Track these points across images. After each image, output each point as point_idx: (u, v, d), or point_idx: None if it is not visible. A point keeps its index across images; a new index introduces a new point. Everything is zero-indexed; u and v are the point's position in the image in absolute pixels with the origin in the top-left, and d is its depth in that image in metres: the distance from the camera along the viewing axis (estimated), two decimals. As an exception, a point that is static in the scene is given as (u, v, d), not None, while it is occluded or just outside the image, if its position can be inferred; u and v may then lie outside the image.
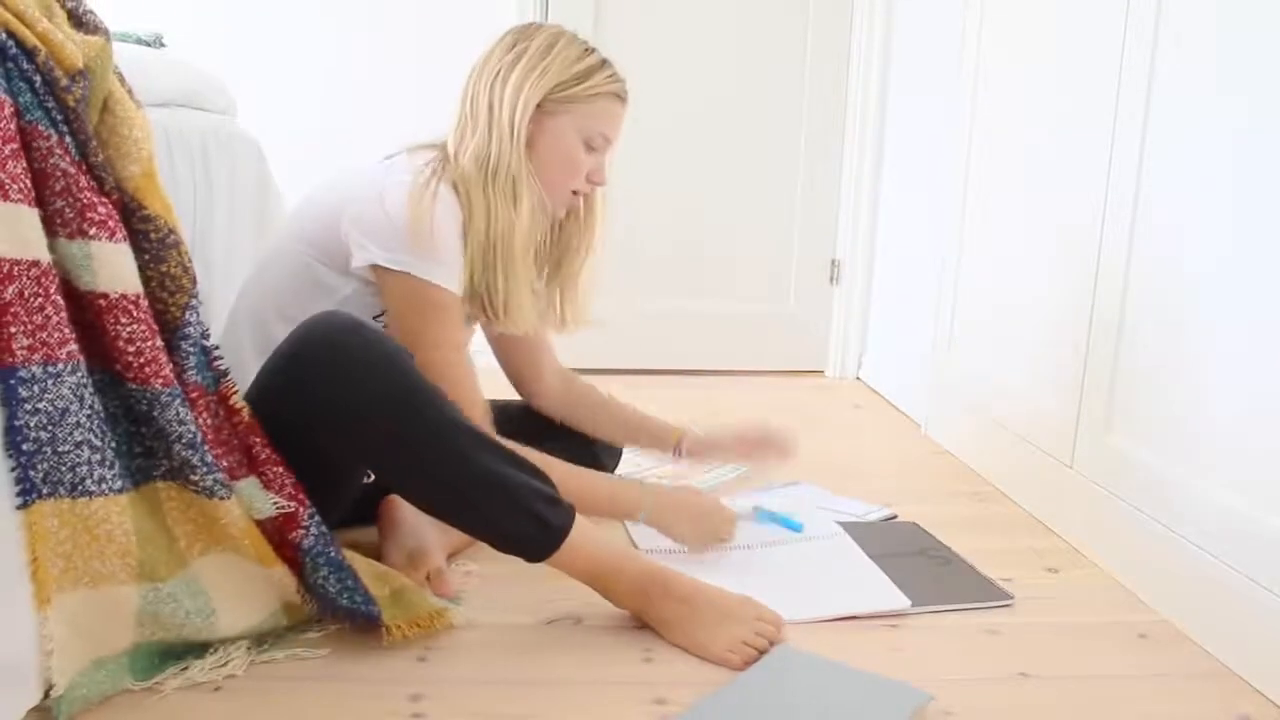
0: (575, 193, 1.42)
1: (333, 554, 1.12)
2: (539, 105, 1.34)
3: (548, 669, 1.15)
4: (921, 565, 1.47)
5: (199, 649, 1.10)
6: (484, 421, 1.29)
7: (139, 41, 1.75)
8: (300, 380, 1.13)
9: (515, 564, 1.39)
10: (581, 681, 1.12)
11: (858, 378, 2.94)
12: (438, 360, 1.27)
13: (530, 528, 1.17)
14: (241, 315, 1.40)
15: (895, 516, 1.69)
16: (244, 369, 1.33)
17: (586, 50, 1.38)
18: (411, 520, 1.37)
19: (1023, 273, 1.88)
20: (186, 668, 1.08)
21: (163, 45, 1.84)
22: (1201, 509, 1.29)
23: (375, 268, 1.28)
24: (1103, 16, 1.58)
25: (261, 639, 1.14)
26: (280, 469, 1.11)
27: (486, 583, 1.37)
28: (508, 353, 1.63)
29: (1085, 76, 1.65)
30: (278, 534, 1.10)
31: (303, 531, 1.11)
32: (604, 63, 1.39)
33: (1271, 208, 1.19)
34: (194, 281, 1.09)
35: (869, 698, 1.08)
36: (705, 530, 1.45)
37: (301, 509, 1.11)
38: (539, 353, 1.63)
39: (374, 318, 1.34)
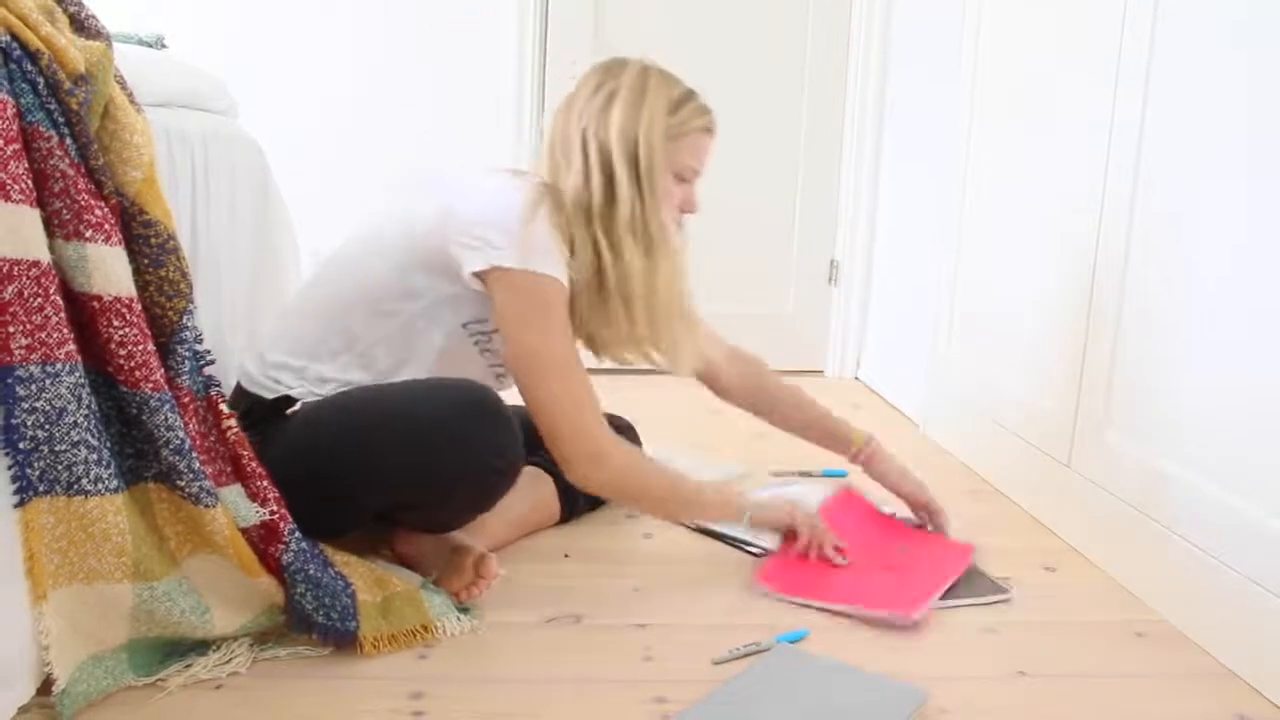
0: None
1: (311, 571, 1.12)
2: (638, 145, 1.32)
3: (548, 669, 1.15)
4: None
5: (202, 646, 1.11)
6: (601, 431, 1.31)
7: (140, 42, 1.75)
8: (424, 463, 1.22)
9: (516, 565, 1.39)
10: (581, 681, 1.13)
11: (856, 378, 2.94)
12: (562, 366, 1.28)
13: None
14: (320, 309, 1.37)
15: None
16: (317, 364, 1.34)
17: (675, 83, 1.37)
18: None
19: (1021, 273, 1.88)
20: (190, 665, 1.08)
21: (164, 46, 1.84)
22: (1201, 509, 1.29)
23: (488, 272, 1.26)
24: (1101, 17, 1.59)
25: (264, 637, 1.15)
26: (265, 482, 1.12)
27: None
28: None
29: (1083, 78, 1.65)
30: (261, 546, 1.11)
31: (283, 547, 1.11)
32: (692, 94, 1.38)
33: (1271, 208, 1.20)
34: (191, 287, 1.09)
35: (869, 698, 1.08)
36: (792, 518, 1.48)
37: (283, 523, 1.12)
38: (709, 348, 1.64)
39: (464, 325, 1.34)
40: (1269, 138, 1.20)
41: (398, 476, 1.23)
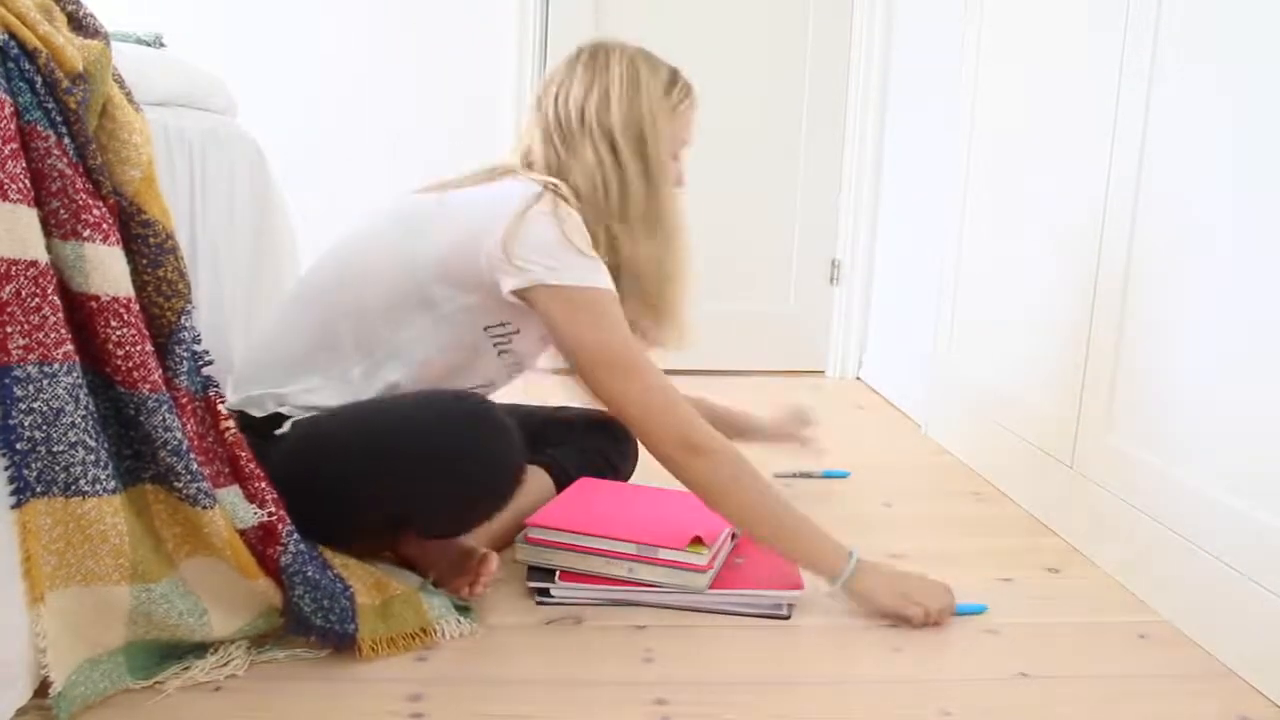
0: None
1: (310, 573, 1.12)
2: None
3: (548, 669, 1.15)
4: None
5: (199, 648, 1.10)
6: (691, 419, 1.27)
7: (139, 41, 1.75)
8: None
9: (517, 567, 1.39)
10: (581, 681, 1.12)
11: (858, 378, 2.94)
12: (641, 364, 1.28)
13: None
14: (335, 314, 1.34)
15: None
16: (344, 364, 1.33)
17: (659, 63, 1.40)
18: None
19: (1023, 273, 1.88)
20: (188, 667, 1.08)
21: (162, 45, 1.84)
22: (1201, 509, 1.29)
23: (531, 290, 1.25)
24: (1103, 15, 1.58)
25: (262, 639, 1.14)
26: (263, 483, 1.12)
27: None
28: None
29: (1085, 77, 1.64)
30: (259, 547, 1.10)
31: (281, 548, 1.11)
32: (676, 73, 1.41)
33: (1271, 210, 1.19)
34: (190, 287, 1.09)
35: None
36: (919, 598, 1.29)
37: (281, 525, 1.11)
38: None
39: (485, 329, 1.33)
40: (1272, 140, 1.20)
41: (399, 494, 1.21)
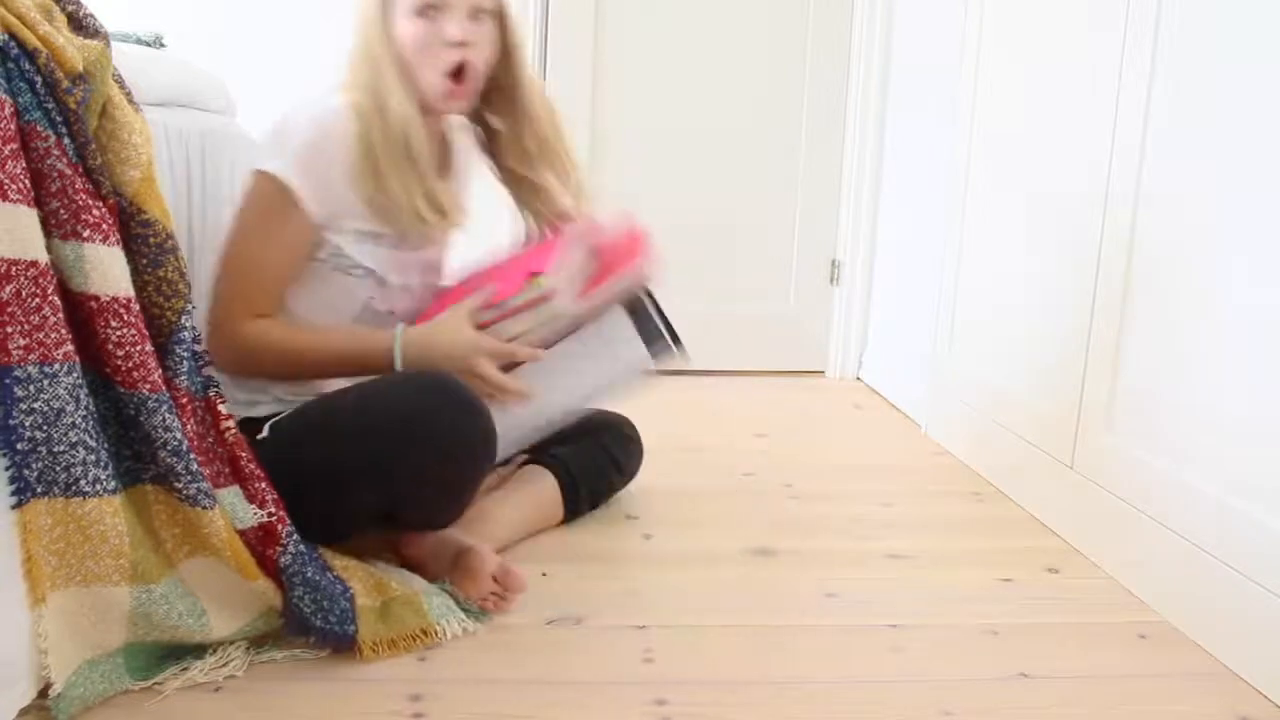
0: (451, 74, 1.32)
1: (309, 574, 1.12)
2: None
3: (548, 669, 1.15)
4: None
5: (198, 649, 1.10)
6: (233, 322, 1.28)
7: (139, 42, 1.75)
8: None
9: (517, 567, 1.39)
10: (581, 681, 1.12)
11: (858, 378, 2.93)
12: (236, 255, 1.28)
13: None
14: None
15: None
16: None
17: None
18: (436, 534, 1.36)
19: (1023, 273, 1.88)
20: (187, 668, 1.08)
21: (163, 45, 1.84)
22: (1201, 509, 1.29)
23: None
24: (1103, 15, 1.58)
25: (261, 639, 1.14)
26: (263, 484, 1.12)
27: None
28: None
29: (1085, 76, 1.64)
30: (258, 548, 1.10)
31: (280, 549, 1.11)
32: None
33: (1271, 209, 1.19)
34: (190, 287, 1.09)
35: None
36: (454, 367, 1.29)
37: (281, 526, 1.11)
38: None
39: (344, 271, 1.33)
40: (1270, 138, 1.20)
41: (372, 475, 1.21)
